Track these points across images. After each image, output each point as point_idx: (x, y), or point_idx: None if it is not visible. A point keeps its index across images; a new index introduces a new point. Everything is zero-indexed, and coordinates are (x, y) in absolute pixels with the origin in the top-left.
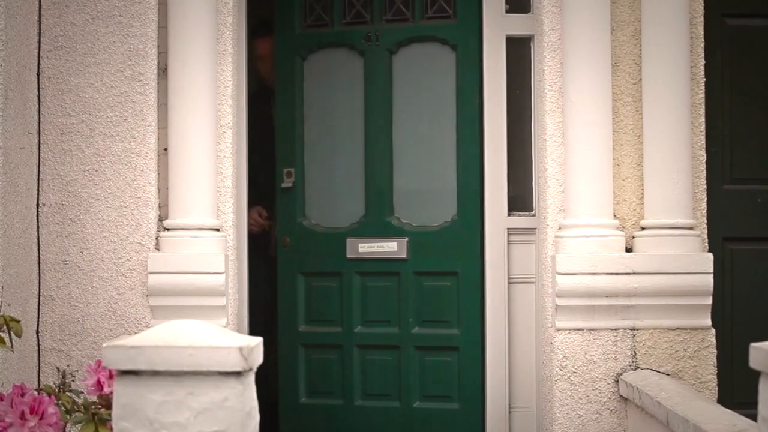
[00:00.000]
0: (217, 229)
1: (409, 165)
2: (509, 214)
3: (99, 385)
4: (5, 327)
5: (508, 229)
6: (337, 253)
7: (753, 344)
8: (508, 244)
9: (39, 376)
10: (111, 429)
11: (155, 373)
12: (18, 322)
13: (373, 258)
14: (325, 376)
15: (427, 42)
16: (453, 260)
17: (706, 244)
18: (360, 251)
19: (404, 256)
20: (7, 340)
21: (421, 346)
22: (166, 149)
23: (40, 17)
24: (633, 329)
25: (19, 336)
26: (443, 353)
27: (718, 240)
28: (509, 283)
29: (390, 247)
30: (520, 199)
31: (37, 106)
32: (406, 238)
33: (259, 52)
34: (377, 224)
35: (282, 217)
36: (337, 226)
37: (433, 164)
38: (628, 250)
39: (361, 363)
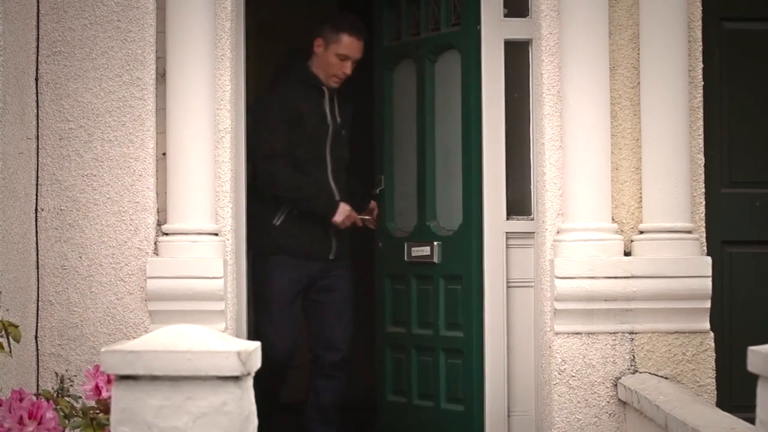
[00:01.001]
0: (216, 234)
1: (440, 171)
2: (508, 218)
3: (97, 389)
4: (4, 332)
5: (506, 233)
6: (400, 256)
7: (751, 348)
8: (507, 248)
9: (38, 380)
10: None
11: (154, 378)
12: (16, 327)
13: (418, 262)
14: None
15: (448, 50)
16: (459, 263)
17: (705, 248)
18: (412, 255)
19: (436, 260)
20: (5, 345)
21: (446, 348)
22: (164, 154)
23: (38, 22)
24: (632, 333)
25: (17, 341)
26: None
27: (717, 243)
28: (508, 287)
29: (426, 251)
30: (519, 202)
31: (35, 111)
32: (437, 242)
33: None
34: (422, 228)
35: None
36: (403, 229)
37: (452, 169)
38: (627, 253)
39: (417, 364)
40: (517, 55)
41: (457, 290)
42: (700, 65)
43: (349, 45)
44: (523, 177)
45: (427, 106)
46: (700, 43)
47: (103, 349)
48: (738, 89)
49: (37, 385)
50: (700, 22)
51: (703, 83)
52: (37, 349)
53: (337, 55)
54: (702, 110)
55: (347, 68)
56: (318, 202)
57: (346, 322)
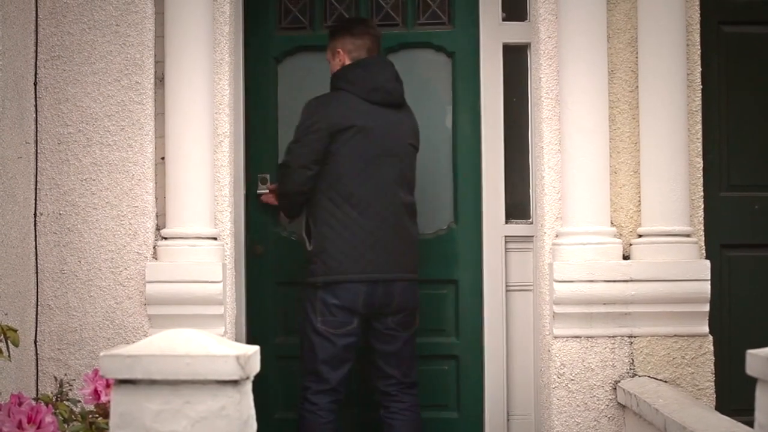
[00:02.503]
0: (215, 238)
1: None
2: (507, 222)
3: (96, 394)
4: (3, 336)
5: (505, 236)
6: None
7: (750, 351)
8: (506, 251)
9: (37, 385)
10: None
11: (152, 382)
12: (15, 331)
13: None
14: None
15: (420, 48)
16: (451, 268)
17: (704, 251)
18: None
19: None
20: (4, 349)
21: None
22: (163, 158)
23: (37, 27)
24: (630, 336)
25: (16, 345)
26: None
27: (716, 247)
28: (507, 290)
29: None
30: (518, 206)
31: (34, 115)
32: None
33: None
34: None
35: None
36: None
37: (429, 172)
38: (626, 257)
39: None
40: (516, 58)
41: (456, 294)
42: (699, 69)
43: None
44: (521, 181)
45: None
46: (699, 47)
47: (101, 354)
48: (737, 92)
49: (37, 390)
50: (698, 26)
51: (701, 87)
52: (37, 354)
53: None
54: (700, 114)
55: None
56: None
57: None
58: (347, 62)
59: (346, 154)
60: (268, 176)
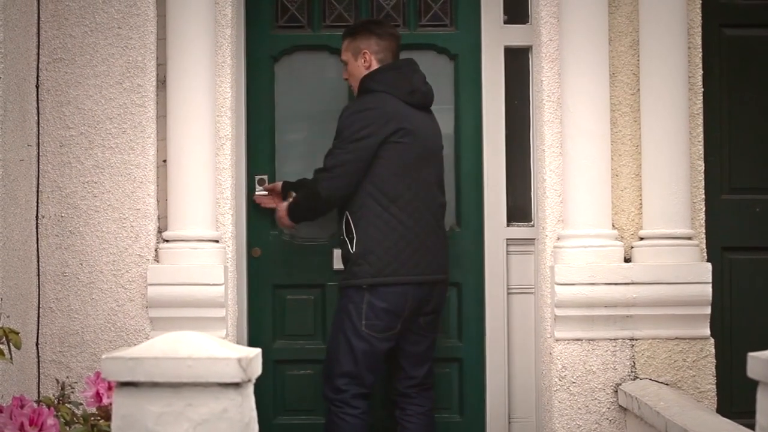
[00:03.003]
0: (216, 241)
1: None
2: (508, 225)
3: (98, 396)
4: (4, 339)
5: (507, 239)
6: None
7: (751, 354)
8: (507, 254)
9: (39, 387)
10: None
11: (154, 385)
12: (17, 333)
13: None
14: None
15: (422, 50)
16: (453, 271)
17: (705, 254)
18: None
19: None
20: (6, 351)
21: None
22: (165, 161)
23: (38, 29)
24: (632, 339)
25: (18, 348)
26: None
27: (717, 250)
28: (508, 293)
29: None
30: (520, 209)
31: (36, 118)
32: None
33: None
34: None
35: None
36: None
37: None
38: (627, 260)
39: None
40: (517, 61)
41: (459, 297)
42: (700, 72)
43: None
44: (523, 183)
45: None
46: (700, 50)
47: (103, 356)
48: (738, 95)
49: (38, 392)
50: (699, 29)
51: (702, 90)
52: (38, 356)
53: None
54: (702, 117)
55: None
56: None
57: (328, 354)
58: (374, 64)
59: (393, 156)
60: (266, 177)
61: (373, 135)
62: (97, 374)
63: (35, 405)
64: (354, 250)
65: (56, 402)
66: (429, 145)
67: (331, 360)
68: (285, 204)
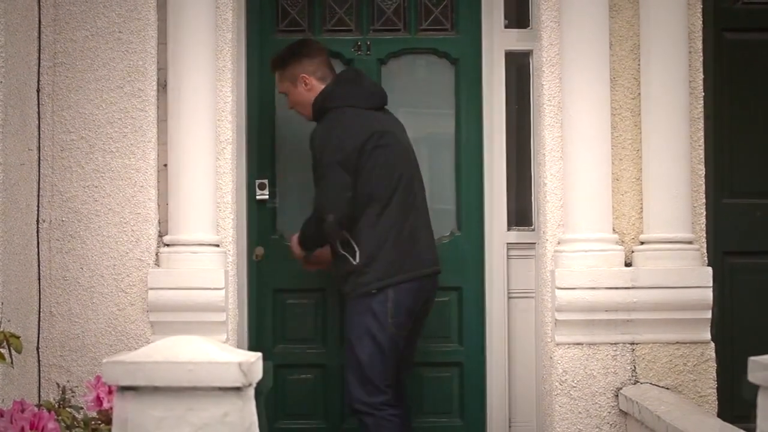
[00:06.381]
0: (217, 245)
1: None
2: (509, 229)
3: (99, 400)
4: (5, 343)
5: (507, 243)
6: None
7: (752, 358)
8: (508, 258)
9: (39, 391)
10: None
11: (155, 389)
12: (18, 338)
13: None
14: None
15: (423, 54)
16: (454, 275)
17: (705, 258)
18: None
19: None
20: (6, 356)
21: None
22: (165, 165)
23: (39, 34)
24: (633, 343)
25: (19, 352)
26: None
27: (719, 254)
28: (509, 297)
29: None
30: (520, 213)
31: (36, 122)
32: None
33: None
34: None
35: None
36: None
37: (432, 179)
38: (628, 264)
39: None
40: (518, 65)
41: (459, 301)
42: (701, 76)
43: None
44: (524, 187)
45: None
46: (701, 54)
47: (104, 360)
48: (739, 99)
49: (39, 396)
50: (700, 33)
51: (703, 94)
52: (39, 360)
53: None
54: (702, 121)
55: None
56: None
57: (346, 361)
58: (316, 84)
59: (375, 162)
60: (266, 182)
61: (351, 150)
62: (98, 378)
63: (36, 409)
64: (358, 261)
65: (57, 406)
66: (402, 141)
67: (364, 366)
68: (295, 236)
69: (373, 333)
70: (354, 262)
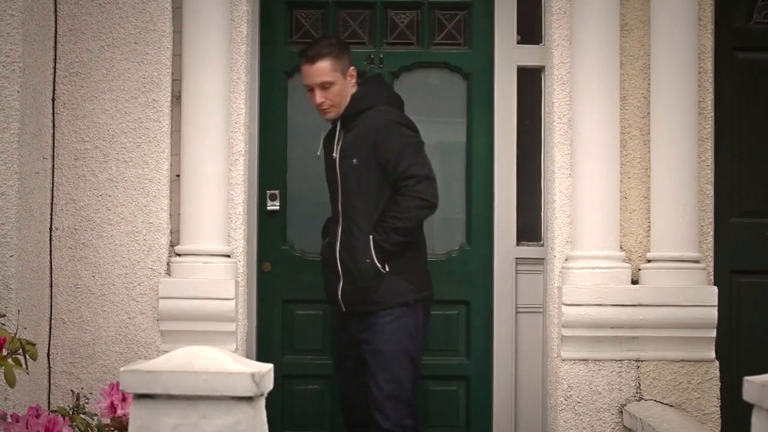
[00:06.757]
0: (228, 256)
1: None
2: (518, 244)
3: (112, 407)
4: (21, 350)
5: (516, 258)
6: None
7: (747, 378)
8: (516, 273)
9: (49, 398)
10: None
11: (170, 397)
12: (34, 345)
13: None
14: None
15: (435, 68)
16: (462, 289)
17: (712, 277)
18: None
19: None
20: (22, 362)
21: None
22: (178, 175)
23: (56, 44)
24: (638, 360)
25: (34, 359)
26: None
27: (726, 273)
28: (517, 312)
29: None
30: (529, 229)
31: (51, 131)
32: None
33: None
34: None
35: None
36: None
37: (442, 192)
38: (634, 282)
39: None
40: (530, 81)
41: (467, 315)
42: (711, 96)
43: (304, 73)
44: (533, 203)
45: None
46: (711, 74)
47: (122, 369)
48: (749, 118)
49: (48, 402)
50: (711, 54)
51: (713, 114)
52: (49, 367)
53: (305, 88)
54: (711, 141)
55: (314, 99)
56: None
57: (383, 379)
58: (355, 80)
59: None
60: (277, 193)
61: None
62: (112, 386)
63: (51, 415)
64: (389, 269)
65: (71, 412)
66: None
67: (405, 386)
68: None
69: (411, 352)
70: (384, 270)
